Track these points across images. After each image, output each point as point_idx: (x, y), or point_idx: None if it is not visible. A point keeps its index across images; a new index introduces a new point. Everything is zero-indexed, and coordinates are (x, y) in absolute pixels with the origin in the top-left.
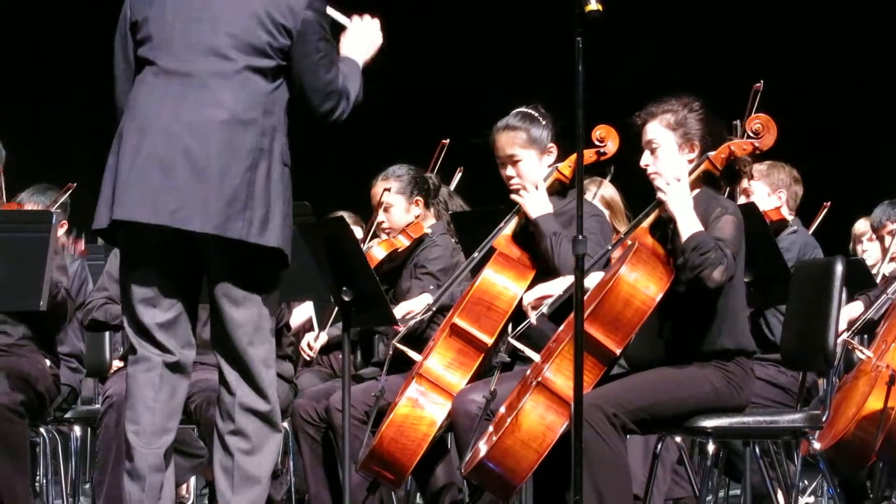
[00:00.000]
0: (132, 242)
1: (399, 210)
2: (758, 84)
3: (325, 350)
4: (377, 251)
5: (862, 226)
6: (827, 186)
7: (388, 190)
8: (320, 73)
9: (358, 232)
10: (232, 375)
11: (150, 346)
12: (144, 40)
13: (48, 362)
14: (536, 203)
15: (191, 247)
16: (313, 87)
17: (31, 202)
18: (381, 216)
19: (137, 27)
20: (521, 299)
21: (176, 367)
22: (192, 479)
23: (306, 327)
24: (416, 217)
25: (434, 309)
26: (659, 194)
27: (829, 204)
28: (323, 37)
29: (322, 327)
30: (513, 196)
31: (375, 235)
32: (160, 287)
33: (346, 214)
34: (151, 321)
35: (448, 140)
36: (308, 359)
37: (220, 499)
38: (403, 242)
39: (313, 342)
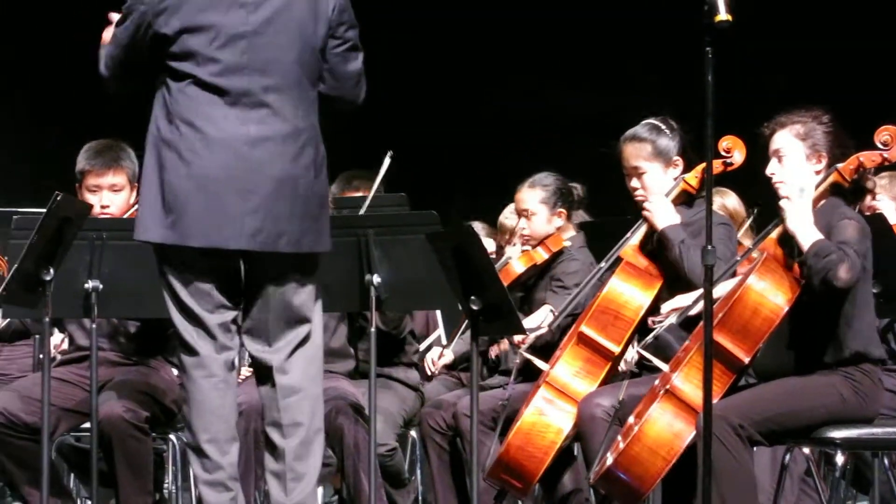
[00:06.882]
0: (200, 259)
1: (541, 219)
2: None
3: (451, 367)
4: (516, 265)
5: None
6: None
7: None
8: (350, 62)
9: (490, 244)
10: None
11: (210, 346)
12: (187, 55)
13: (175, 372)
14: (662, 214)
15: (248, 256)
16: (345, 76)
17: None
18: (522, 223)
19: (173, 39)
20: (648, 308)
21: (232, 365)
22: (320, 489)
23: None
24: (557, 229)
25: (559, 322)
26: (781, 207)
27: None
28: (352, 24)
29: (450, 340)
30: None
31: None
32: (225, 294)
33: (480, 226)
34: (215, 322)
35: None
36: (429, 374)
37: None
38: (542, 255)
39: (437, 359)
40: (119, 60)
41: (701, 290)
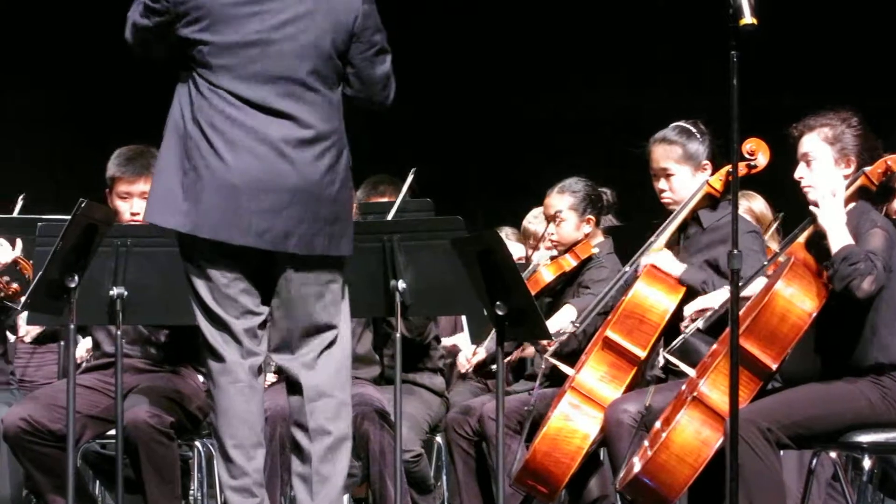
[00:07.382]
0: (218, 257)
1: (570, 225)
2: None
3: (482, 370)
4: (545, 273)
5: None
6: None
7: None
8: (377, 66)
9: (521, 249)
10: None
11: (236, 352)
12: (205, 63)
13: (201, 378)
14: (671, 265)
15: (269, 256)
16: (372, 80)
17: None
18: (550, 228)
19: (192, 44)
20: (674, 313)
21: (259, 370)
22: (345, 498)
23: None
24: (586, 235)
25: (583, 327)
26: (812, 208)
27: None
28: (378, 28)
29: (479, 343)
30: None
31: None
32: (250, 299)
33: (509, 230)
34: (241, 328)
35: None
36: (463, 372)
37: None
38: (571, 263)
39: (471, 357)
40: (142, 38)
41: (728, 295)
